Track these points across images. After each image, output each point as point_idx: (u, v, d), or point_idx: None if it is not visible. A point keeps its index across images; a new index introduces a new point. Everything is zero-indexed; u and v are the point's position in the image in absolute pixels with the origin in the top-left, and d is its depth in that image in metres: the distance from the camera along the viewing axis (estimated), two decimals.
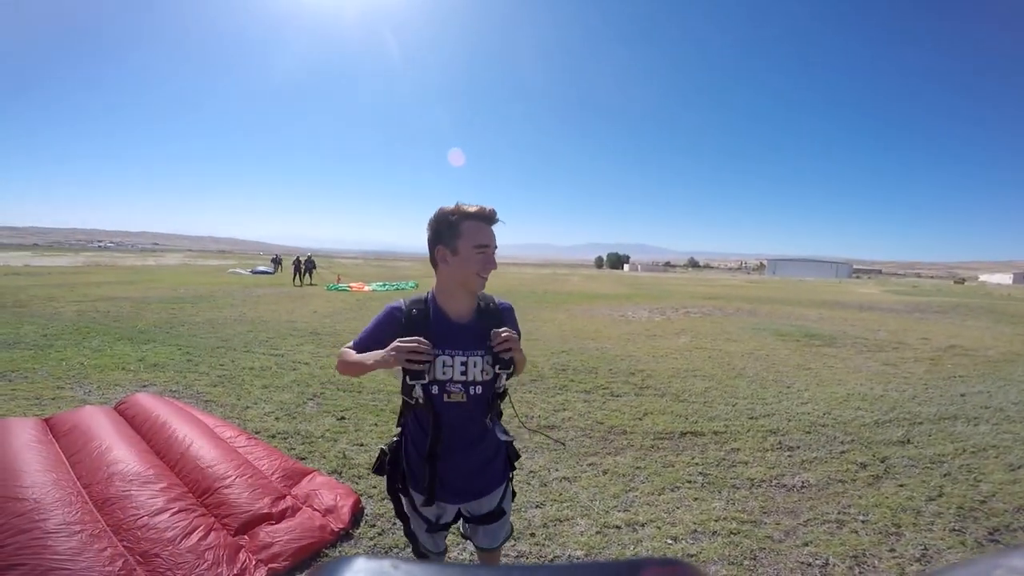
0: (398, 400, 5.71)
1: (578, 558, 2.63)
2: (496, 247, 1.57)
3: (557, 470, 3.60)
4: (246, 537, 2.46)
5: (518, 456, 1.82)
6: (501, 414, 1.74)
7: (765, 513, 3.11)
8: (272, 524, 2.55)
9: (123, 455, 2.84)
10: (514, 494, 1.85)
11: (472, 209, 1.52)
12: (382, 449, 1.71)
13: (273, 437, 3.99)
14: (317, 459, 3.63)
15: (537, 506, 3.11)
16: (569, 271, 64.95)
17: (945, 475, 3.67)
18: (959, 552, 2.75)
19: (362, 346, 1.58)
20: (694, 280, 47.86)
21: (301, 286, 20.47)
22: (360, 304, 14.06)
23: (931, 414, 5.09)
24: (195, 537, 2.30)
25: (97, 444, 2.94)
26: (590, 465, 3.72)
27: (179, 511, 2.43)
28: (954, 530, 2.94)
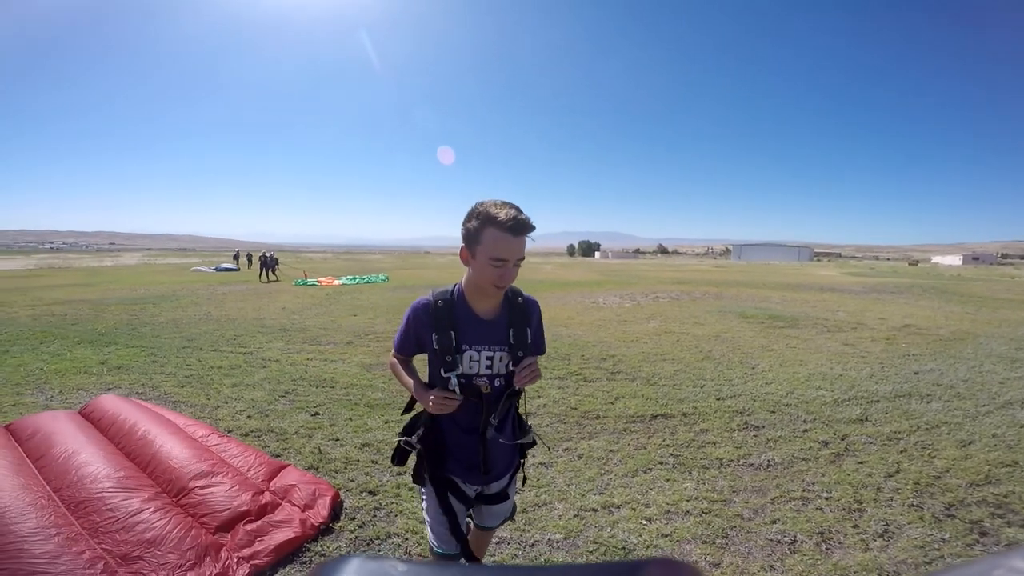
0: (372, 394, 5.66)
1: (557, 542, 2.69)
2: (522, 257, 1.49)
3: (533, 455, 3.67)
4: (227, 535, 2.44)
5: (533, 444, 1.85)
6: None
7: (734, 492, 3.22)
8: (252, 521, 2.54)
9: (91, 458, 2.77)
10: (525, 479, 1.95)
11: (499, 215, 1.41)
12: (402, 441, 1.70)
13: (246, 435, 3.94)
14: (292, 455, 3.62)
15: (517, 492, 3.17)
16: (542, 259, 65.18)
17: (902, 452, 3.83)
18: (918, 527, 2.85)
19: (403, 349, 1.69)
20: (663, 266, 48.63)
21: (268, 282, 20.02)
22: (330, 298, 13.82)
23: (887, 392, 5.33)
24: (175, 537, 2.28)
25: (63, 448, 2.86)
26: (565, 450, 3.80)
27: (156, 511, 2.40)
28: (912, 506, 3.06)
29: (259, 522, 2.54)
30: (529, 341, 1.63)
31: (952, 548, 2.64)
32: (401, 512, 2.92)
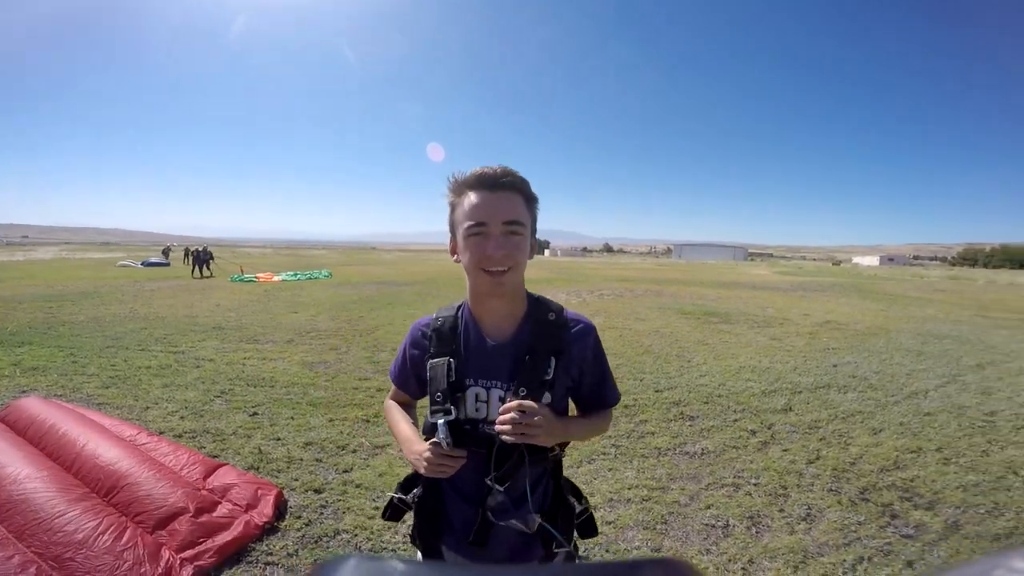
0: (314, 393, 5.55)
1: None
2: (515, 221, 1.06)
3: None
4: (165, 534, 2.35)
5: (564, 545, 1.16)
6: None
7: (671, 479, 3.38)
8: (191, 519, 2.45)
9: (9, 459, 2.61)
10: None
11: (469, 173, 1.08)
12: (395, 498, 1.27)
13: (180, 436, 3.78)
14: (231, 456, 3.50)
15: None
16: None
17: (821, 439, 4.10)
18: (837, 511, 3.01)
19: (397, 379, 1.32)
20: (609, 264, 49.81)
21: (201, 278, 19.02)
22: (268, 295, 13.34)
23: (809, 383, 5.73)
24: (108, 537, 2.17)
25: None
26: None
27: (84, 512, 2.28)
28: (831, 490, 3.28)
29: (199, 520, 2.46)
30: (549, 377, 1.10)
31: (867, 530, 2.83)
32: (349, 509, 2.89)
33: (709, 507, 3.05)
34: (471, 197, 1.06)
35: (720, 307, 12.60)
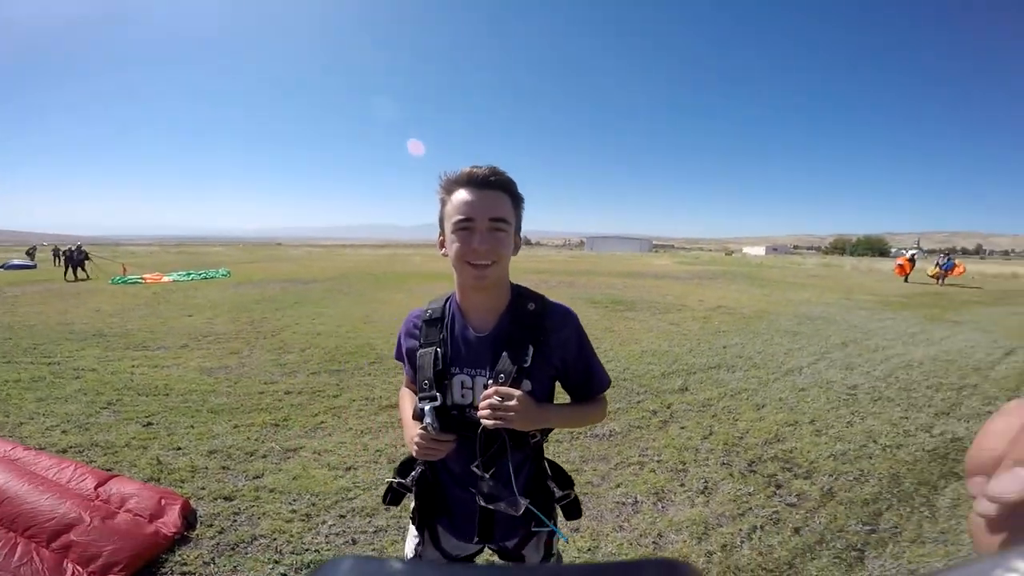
0: (215, 399, 5.32)
1: None
2: (500, 218, 1.13)
3: (404, 445, 3.74)
4: (60, 548, 2.19)
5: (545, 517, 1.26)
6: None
7: (584, 461, 3.57)
8: (89, 528, 2.30)
9: None
10: (559, 557, 1.43)
11: (459, 175, 1.14)
12: (394, 482, 1.34)
13: (64, 451, 3.48)
14: (126, 468, 3.27)
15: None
16: (412, 251, 63.67)
17: (713, 416, 4.46)
18: (730, 483, 3.22)
19: (405, 364, 1.37)
20: (526, 256, 50.45)
21: (76, 280, 17.03)
22: (158, 297, 12.19)
23: (702, 364, 6.25)
24: None
25: None
26: None
27: None
28: (723, 464, 3.55)
29: (100, 529, 2.31)
30: (527, 364, 1.16)
31: (757, 500, 3.08)
32: (265, 515, 2.81)
33: (619, 486, 3.23)
34: (461, 194, 1.12)
35: (626, 296, 13.33)
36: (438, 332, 1.24)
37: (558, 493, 1.29)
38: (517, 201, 1.19)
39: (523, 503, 1.16)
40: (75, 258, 18.29)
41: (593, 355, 1.29)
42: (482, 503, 1.16)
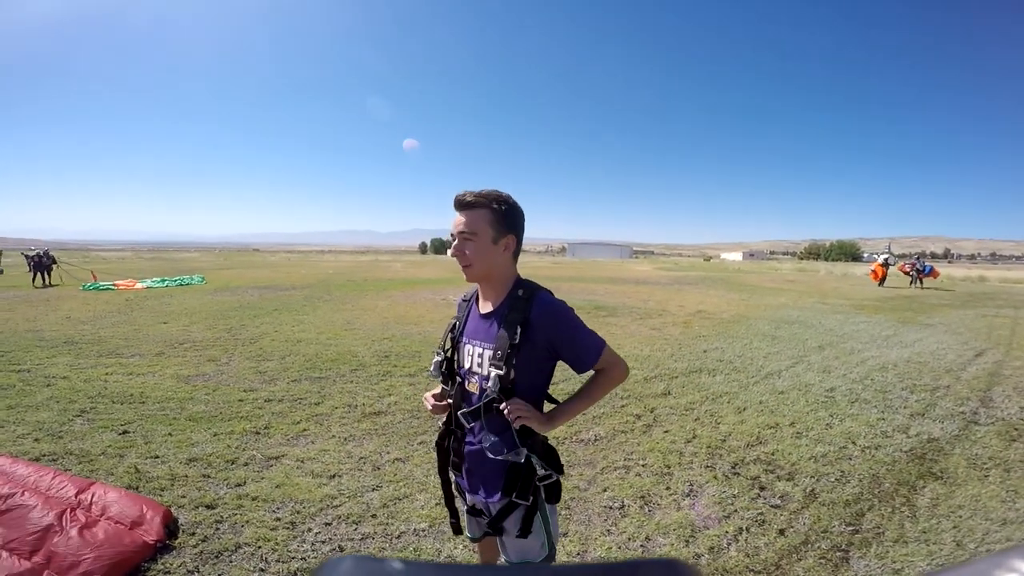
0: (193, 407, 5.23)
1: (423, 531, 2.75)
2: (464, 233, 1.47)
3: (388, 452, 3.72)
4: (42, 559, 2.12)
5: (523, 466, 1.47)
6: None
7: (570, 466, 3.58)
8: (68, 537, 2.23)
9: None
10: (545, 520, 1.54)
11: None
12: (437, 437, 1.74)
13: (38, 459, 3.40)
14: (103, 476, 3.20)
15: (374, 489, 3.19)
16: (392, 257, 63.10)
17: (696, 420, 4.51)
18: (714, 486, 3.25)
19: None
20: None
21: (44, 287, 16.50)
22: (131, 304, 11.79)
23: (684, 368, 6.31)
24: None
25: None
26: (420, 444, 3.89)
27: None
28: (707, 467, 3.59)
29: (83, 541, 2.24)
30: (517, 340, 1.42)
31: (741, 502, 3.12)
32: (248, 522, 2.76)
33: (606, 490, 3.25)
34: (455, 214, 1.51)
35: (608, 301, 13.42)
36: (465, 309, 1.66)
37: (540, 472, 1.48)
38: (498, 214, 1.47)
39: (523, 452, 1.46)
40: (43, 263, 17.70)
41: (579, 328, 1.50)
42: (490, 455, 1.46)
